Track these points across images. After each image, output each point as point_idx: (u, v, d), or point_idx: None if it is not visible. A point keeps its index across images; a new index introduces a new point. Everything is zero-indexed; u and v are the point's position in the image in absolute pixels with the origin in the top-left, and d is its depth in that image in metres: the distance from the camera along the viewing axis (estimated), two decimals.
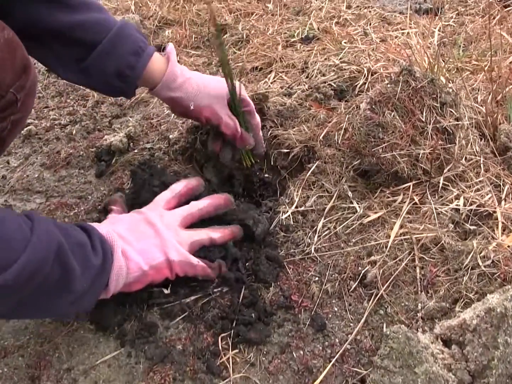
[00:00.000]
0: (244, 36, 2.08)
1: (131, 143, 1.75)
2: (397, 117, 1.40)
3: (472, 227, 1.32)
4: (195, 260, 1.20)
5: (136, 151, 1.72)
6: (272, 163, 1.63)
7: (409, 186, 1.42)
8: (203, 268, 1.22)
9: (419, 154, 1.38)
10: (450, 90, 1.45)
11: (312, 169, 1.51)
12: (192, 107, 1.41)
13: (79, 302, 1.05)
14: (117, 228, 1.16)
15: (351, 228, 1.38)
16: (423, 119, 1.40)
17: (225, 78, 1.40)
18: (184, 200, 1.33)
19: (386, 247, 1.31)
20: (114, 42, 1.28)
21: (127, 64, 1.31)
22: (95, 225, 1.14)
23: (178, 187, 1.34)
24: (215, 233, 1.27)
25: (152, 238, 1.18)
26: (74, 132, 1.86)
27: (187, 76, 1.40)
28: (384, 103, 1.41)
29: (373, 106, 1.42)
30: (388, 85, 1.43)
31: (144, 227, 1.20)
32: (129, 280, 1.12)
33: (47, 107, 2.02)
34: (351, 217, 1.40)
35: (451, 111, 1.43)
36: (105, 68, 1.29)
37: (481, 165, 1.46)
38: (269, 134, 1.66)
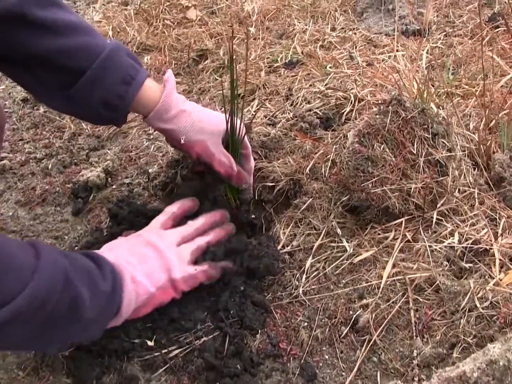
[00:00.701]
0: (226, 62, 2.00)
1: (109, 178, 1.68)
2: (387, 150, 1.33)
3: (468, 265, 1.26)
4: (193, 269, 1.21)
5: (114, 186, 1.65)
6: (256, 197, 1.55)
7: (401, 222, 1.35)
8: (203, 273, 1.22)
9: (410, 188, 1.32)
10: (442, 119, 1.39)
11: (298, 205, 1.44)
12: (183, 141, 1.34)
13: (88, 330, 1.04)
14: (119, 253, 1.16)
15: (341, 268, 1.32)
16: (414, 151, 1.34)
17: (227, 114, 1.35)
18: (179, 220, 1.33)
19: (378, 288, 1.25)
20: (101, 70, 1.20)
21: (115, 94, 1.23)
22: (100, 253, 1.13)
23: (173, 208, 1.34)
24: (208, 236, 1.29)
25: (154, 259, 1.18)
26: (50, 166, 1.78)
27: (181, 108, 1.32)
28: (373, 135, 1.35)
29: (362, 139, 1.35)
30: (377, 116, 1.37)
31: (145, 249, 1.20)
32: (138, 304, 1.12)
33: (22, 139, 1.94)
34: (340, 256, 1.34)
35: (443, 142, 1.37)
36: (91, 97, 1.22)
37: (475, 198, 1.39)
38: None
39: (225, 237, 1.32)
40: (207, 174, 1.46)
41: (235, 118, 1.36)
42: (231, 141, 1.39)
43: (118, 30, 2.29)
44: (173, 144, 1.43)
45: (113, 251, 1.17)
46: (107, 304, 1.04)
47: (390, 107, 1.37)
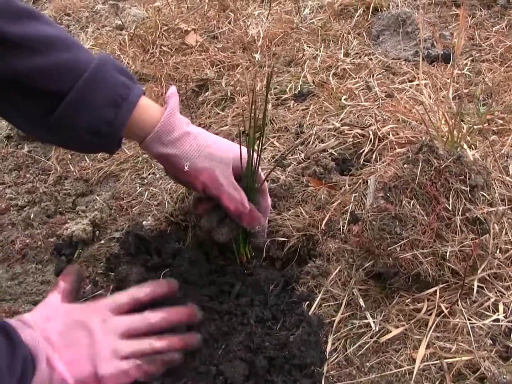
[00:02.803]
0: (229, 94, 1.81)
1: (97, 232, 1.48)
2: (418, 207, 1.13)
3: None
4: (128, 365, 1.02)
5: (102, 241, 1.45)
6: (264, 253, 1.35)
7: (435, 291, 1.14)
8: (137, 368, 1.02)
9: (446, 252, 1.11)
10: (480, 168, 1.19)
11: (311, 271, 1.24)
12: (187, 168, 1.15)
13: None
14: (49, 329, 1.01)
15: (365, 348, 1.11)
16: (450, 208, 1.13)
17: (244, 145, 1.18)
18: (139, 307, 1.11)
19: (410, 374, 1.04)
20: (85, 91, 1.05)
21: (102, 119, 1.07)
22: (21, 323, 1.00)
23: (140, 293, 1.12)
24: (159, 342, 1.06)
25: (84, 347, 1.01)
26: (32, 215, 1.59)
27: (186, 130, 1.16)
28: (401, 189, 1.15)
29: (388, 193, 1.15)
30: (405, 166, 1.17)
31: (80, 332, 1.03)
32: None
33: (3, 183, 1.75)
34: (364, 332, 1.13)
35: (483, 195, 1.16)
36: (75, 124, 1.07)
37: None
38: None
39: (178, 349, 1.07)
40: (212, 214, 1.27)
41: (251, 148, 1.18)
42: (244, 174, 1.21)
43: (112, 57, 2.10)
44: (174, 175, 1.24)
45: (46, 325, 1.02)
46: None
47: (420, 155, 1.17)
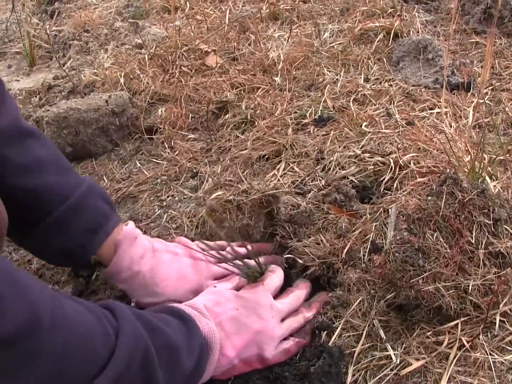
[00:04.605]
0: (249, 117, 1.80)
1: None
2: (441, 239, 1.12)
3: None
4: (287, 344, 1.14)
5: None
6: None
7: (456, 324, 1.13)
8: (296, 344, 1.16)
9: (468, 285, 1.10)
10: (504, 201, 1.18)
11: (331, 302, 1.24)
12: (133, 304, 1.27)
13: None
14: (221, 314, 1.09)
15: (385, 380, 1.10)
16: (473, 241, 1.13)
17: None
18: None
19: None
20: (66, 216, 1.17)
21: (77, 243, 1.20)
22: (197, 315, 1.05)
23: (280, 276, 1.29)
24: (310, 312, 1.21)
25: (253, 333, 1.10)
26: None
27: (134, 270, 1.23)
28: (424, 221, 1.14)
29: (411, 225, 1.15)
30: (429, 198, 1.16)
31: (250, 318, 1.11)
32: (216, 373, 1.06)
33: None
34: (384, 364, 1.12)
35: (506, 229, 1.16)
36: (50, 242, 1.19)
37: None
38: (279, 245, 1.40)
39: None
40: None
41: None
42: None
43: (131, 77, 2.10)
44: None
45: (217, 308, 1.10)
46: (186, 380, 0.98)
47: (444, 187, 1.16)
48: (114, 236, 1.22)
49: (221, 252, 1.29)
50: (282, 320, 1.17)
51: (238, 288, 1.23)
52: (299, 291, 1.25)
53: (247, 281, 1.26)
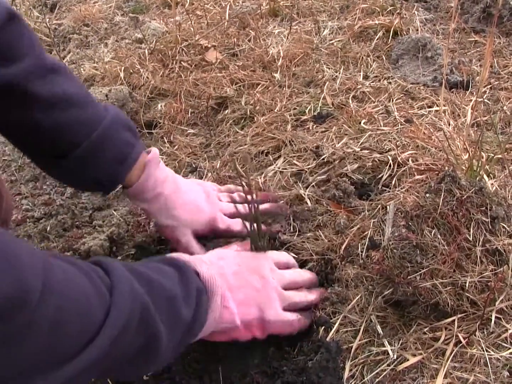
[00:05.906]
0: (248, 113, 1.81)
1: (114, 247, 1.48)
2: (439, 236, 1.13)
3: None
4: (291, 317, 1.14)
5: (119, 258, 1.45)
6: None
7: (453, 320, 1.14)
8: (299, 320, 1.16)
9: (465, 282, 1.11)
10: (502, 199, 1.19)
11: (329, 297, 1.24)
12: (152, 224, 1.37)
13: (163, 361, 0.95)
14: (224, 267, 1.10)
15: (382, 375, 1.11)
16: (470, 238, 1.13)
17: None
18: None
19: None
20: (95, 147, 1.20)
21: (105, 173, 1.24)
22: (198, 260, 1.06)
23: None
24: (312, 295, 1.21)
25: (254, 291, 1.10)
26: (48, 228, 1.59)
27: (158, 191, 1.29)
28: (422, 218, 1.15)
29: (409, 222, 1.16)
30: (427, 195, 1.17)
31: (252, 275, 1.12)
32: (217, 329, 1.05)
33: (20, 193, 1.75)
34: (381, 360, 1.13)
35: (503, 226, 1.17)
36: (82, 172, 1.23)
37: None
38: (278, 240, 1.41)
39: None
40: None
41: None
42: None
43: (131, 71, 2.10)
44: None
45: (221, 264, 1.11)
46: (186, 331, 0.96)
47: (442, 185, 1.17)
48: (139, 162, 1.26)
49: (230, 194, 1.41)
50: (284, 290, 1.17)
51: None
52: (303, 271, 1.26)
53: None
